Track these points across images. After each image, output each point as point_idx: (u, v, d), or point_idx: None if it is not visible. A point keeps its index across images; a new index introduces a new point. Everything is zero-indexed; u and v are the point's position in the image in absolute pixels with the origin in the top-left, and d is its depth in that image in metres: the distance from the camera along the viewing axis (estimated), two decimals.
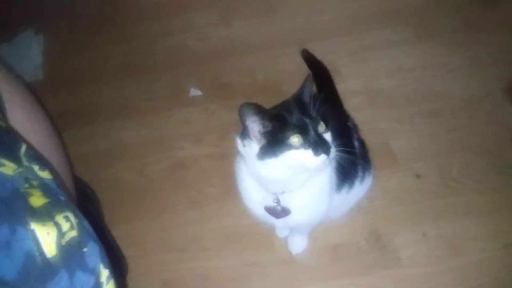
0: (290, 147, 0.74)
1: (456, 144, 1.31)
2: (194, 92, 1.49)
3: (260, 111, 0.75)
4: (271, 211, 0.90)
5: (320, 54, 1.33)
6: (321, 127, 0.76)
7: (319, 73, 1.28)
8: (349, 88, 1.41)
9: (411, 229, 1.18)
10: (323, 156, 0.74)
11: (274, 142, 0.75)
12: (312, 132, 0.75)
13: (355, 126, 1.09)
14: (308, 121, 0.75)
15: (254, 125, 0.76)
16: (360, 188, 1.07)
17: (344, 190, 0.98)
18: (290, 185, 0.83)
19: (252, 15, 1.67)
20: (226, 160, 0.90)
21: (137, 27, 1.68)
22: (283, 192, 0.85)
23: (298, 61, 1.35)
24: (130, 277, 1.12)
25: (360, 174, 1.04)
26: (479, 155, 1.28)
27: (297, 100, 0.79)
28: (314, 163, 0.75)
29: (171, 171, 1.32)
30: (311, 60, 1.34)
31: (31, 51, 1.62)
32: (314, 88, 0.85)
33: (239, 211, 0.99)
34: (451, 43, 1.52)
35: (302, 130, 0.74)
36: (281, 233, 1.17)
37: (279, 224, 0.97)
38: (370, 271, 1.13)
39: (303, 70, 1.30)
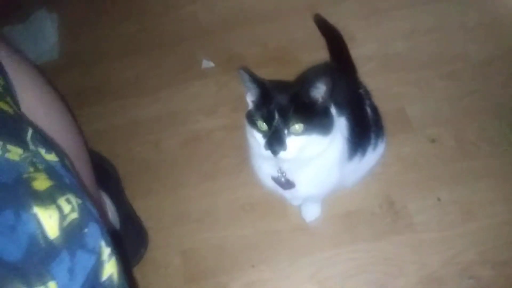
0: (256, 125, 0.78)
1: (473, 107, 1.27)
2: (207, 64, 1.48)
3: (252, 80, 0.78)
4: (277, 181, 0.91)
5: (333, 19, 1.30)
6: (296, 127, 0.76)
7: (333, 39, 1.25)
8: (363, 53, 1.38)
9: (425, 195, 1.17)
10: (269, 153, 0.77)
11: (254, 112, 0.79)
12: (274, 128, 0.76)
13: (367, 92, 1.08)
14: (278, 117, 0.75)
15: (247, 89, 0.81)
16: (373, 155, 1.06)
17: (356, 158, 0.98)
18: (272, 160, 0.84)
19: None
20: (240, 131, 0.90)
21: (146, 2, 1.67)
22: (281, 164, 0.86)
23: (310, 28, 1.32)
24: (149, 248, 1.17)
25: (372, 141, 1.03)
26: (496, 118, 1.25)
27: (299, 91, 0.79)
28: (262, 151, 0.78)
29: (185, 144, 1.34)
30: (324, 26, 1.30)
31: (46, 31, 1.62)
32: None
33: (253, 182, 1.00)
34: (469, 1, 1.44)
35: (269, 121, 0.76)
36: (294, 201, 1.18)
37: (288, 195, 0.98)
38: (383, 237, 1.14)
39: (316, 36, 1.28)
